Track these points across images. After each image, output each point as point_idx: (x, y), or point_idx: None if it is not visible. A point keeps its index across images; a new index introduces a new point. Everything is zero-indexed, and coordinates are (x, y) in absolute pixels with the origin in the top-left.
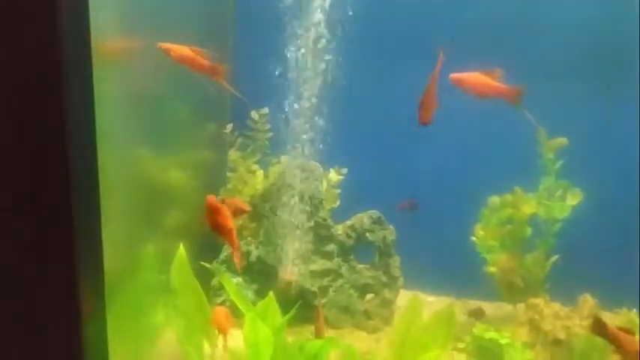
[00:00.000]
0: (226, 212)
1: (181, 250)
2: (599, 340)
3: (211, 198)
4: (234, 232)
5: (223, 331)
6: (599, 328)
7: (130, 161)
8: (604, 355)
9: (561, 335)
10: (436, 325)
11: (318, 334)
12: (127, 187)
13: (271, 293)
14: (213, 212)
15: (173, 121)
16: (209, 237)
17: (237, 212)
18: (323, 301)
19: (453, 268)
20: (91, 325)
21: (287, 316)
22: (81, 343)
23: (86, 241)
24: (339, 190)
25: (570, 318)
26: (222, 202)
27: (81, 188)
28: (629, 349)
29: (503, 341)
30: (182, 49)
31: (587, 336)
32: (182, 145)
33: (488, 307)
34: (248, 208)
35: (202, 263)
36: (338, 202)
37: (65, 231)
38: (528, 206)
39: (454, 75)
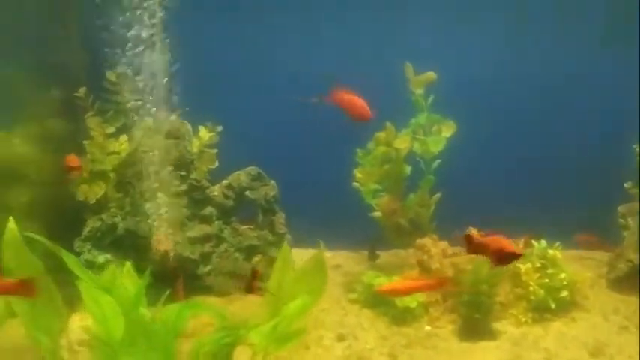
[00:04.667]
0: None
1: (11, 224)
2: (484, 273)
3: None
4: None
5: None
6: (469, 246)
7: None
8: (491, 287)
9: (449, 272)
10: (307, 273)
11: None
12: None
13: (128, 263)
14: None
15: (16, 89)
16: (69, 213)
17: (71, 170)
18: (206, 268)
19: (342, 219)
20: None
21: (142, 282)
22: None
23: None
24: (215, 150)
25: (457, 254)
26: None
27: None
28: (490, 249)
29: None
30: None
31: (474, 270)
32: (26, 114)
33: (384, 256)
34: (78, 163)
35: (33, 236)
36: (216, 163)
37: None
38: (401, 141)
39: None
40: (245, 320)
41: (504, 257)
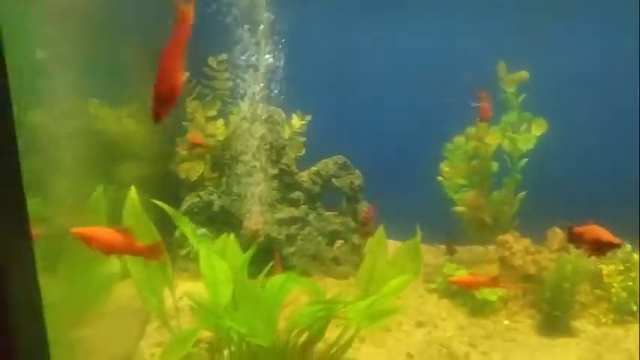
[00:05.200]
0: (103, 235)
1: (132, 192)
2: (567, 271)
3: (75, 231)
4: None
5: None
6: (570, 236)
7: (80, 111)
8: (573, 285)
9: (531, 270)
10: (402, 258)
11: None
12: (78, 137)
13: (232, 235)
14: (88, 243)
15: (123, 70)
16: (168, 189)
17: (195, 146)
18: (291, 249)
19: (422, 212)
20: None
21: (248, 253)
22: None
23: None
24: (303, 139)
25: (540, 252)
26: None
27: None
28: (588, 239)
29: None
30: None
31: (557, 268)
32: (134, 95)
33: (461, 251)
34: (205, 142)
35: (155, 201)
36: (303, 151)
37: None
38: (492, 137)
39: None
40: (337, 297)
41: (603, 246)
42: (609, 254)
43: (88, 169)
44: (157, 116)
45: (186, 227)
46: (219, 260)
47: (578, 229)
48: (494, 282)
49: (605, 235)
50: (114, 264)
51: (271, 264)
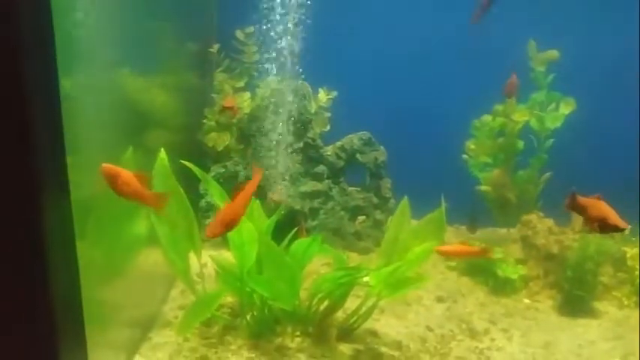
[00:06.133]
0: (126, 176)
1: (162, 154)
2: (591, 251)
3: (106, 166)
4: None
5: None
6: (571, 202)
7: (111, 80)
8: (596, 266)
9: (554, 249)
10: (425, 228)
11: None
12: (109, 106)
13: (257, 201)
14: (113, 180)
15: (156, 40)
16: (195, 159)
17: (226, 110)
18: (314, 223)
19: (446, 189)
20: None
21: (273, 217)
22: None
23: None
24: (329, 114)
25: (564, 233)
26: None
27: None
28: (593, 214)
29: (495, 256)
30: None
31: (580, 248)
32: (165, 65)
33: (482, 232)
34: (236, 106)
35: (184, 162)
36: (328, 126)
37: None
38: (520, 114)
39: None
40: (359, 264)
41: (606, 227)
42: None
43: (119, 135)
44: (212, 234)
45: (215, 190)
46: (245, 221)
47: (582, 200)
48: (483, 252)
49: (611, 215)
50: (141, 226)
51: (295, 229)
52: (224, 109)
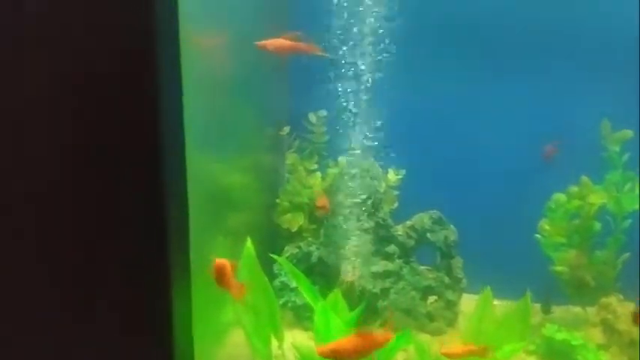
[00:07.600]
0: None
1: (249, 245)
2: None
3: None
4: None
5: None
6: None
7: (200, 164)
8: None
9: (635, 335)
10: (510, 319)
11: None
12: (198, 191)
13: (337, 291)
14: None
15: (240, 125)
16: (271, 238)
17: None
18: (385, 303)
19: (517, 269)
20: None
21: (359, 308)
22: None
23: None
24: (397, 192)
25: None
26: None
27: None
28: None
29: (575, 342)
30: (277, 42)
31: None
32: (246, 148)
33: (556, 311)
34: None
35: (272, 255)
36: (396, 204)
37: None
38: (596, 196)
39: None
40: None
41: None
42: None
43: (207, 220)
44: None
45: (301, 282)
46: (334, 317)
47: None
48: (484, 351)
49: None
50: (228, 313)
51: (382, 321)
52: (317, 208)
